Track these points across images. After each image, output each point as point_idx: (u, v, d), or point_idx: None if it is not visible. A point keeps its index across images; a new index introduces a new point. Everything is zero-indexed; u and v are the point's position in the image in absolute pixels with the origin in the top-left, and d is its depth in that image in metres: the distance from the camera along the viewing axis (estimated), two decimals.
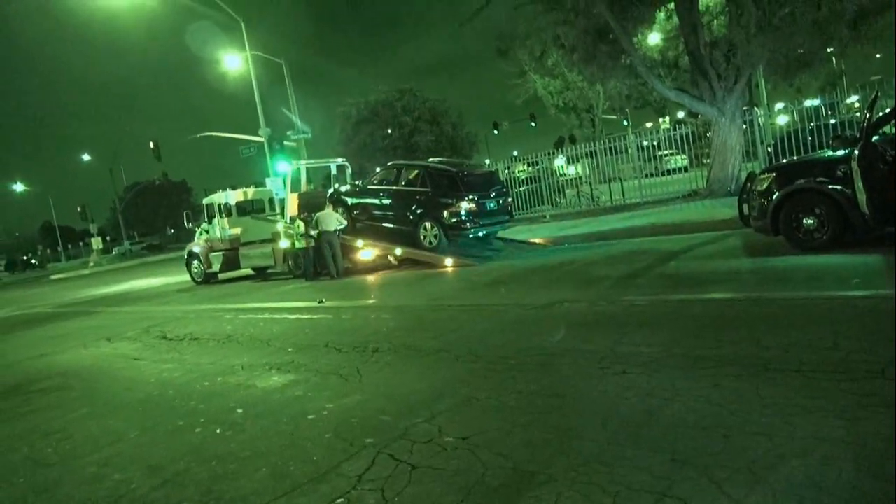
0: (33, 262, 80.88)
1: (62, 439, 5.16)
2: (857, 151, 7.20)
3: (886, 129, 7.71)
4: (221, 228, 18.10)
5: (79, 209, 48.70)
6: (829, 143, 13.23)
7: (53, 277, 41.92)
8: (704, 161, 20.83)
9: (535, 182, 22.74)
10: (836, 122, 17.56)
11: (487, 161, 29.54)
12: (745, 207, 9.07)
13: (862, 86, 18.18)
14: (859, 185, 7.16)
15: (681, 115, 38.18)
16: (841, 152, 7.73)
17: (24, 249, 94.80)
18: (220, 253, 17.94)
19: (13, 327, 14.69)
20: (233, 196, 18.49)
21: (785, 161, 11.77)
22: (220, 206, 18.32)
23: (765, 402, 3.62)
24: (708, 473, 2.93)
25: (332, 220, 14.03)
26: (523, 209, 22.08)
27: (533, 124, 48.95)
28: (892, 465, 2.75)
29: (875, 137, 7.37)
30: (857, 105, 26.34)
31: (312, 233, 14.20)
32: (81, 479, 4.22)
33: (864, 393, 3.54)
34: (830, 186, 7.60)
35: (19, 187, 62.66)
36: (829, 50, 23.80)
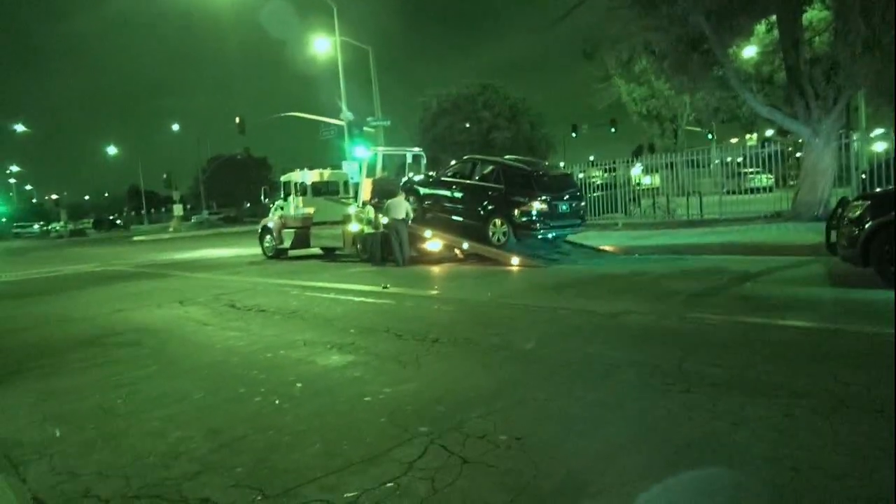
0: (118, 222, 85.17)
1: (131, 392, 5.40)
2: None
3: None
4: (296, 206, 18.54)
5: (164, 176, 51.05)
6: None
7: (136, 239, 43.97)
8: (791, 182, 19.96)
9: (611, 189, 22.31)
10: None
11: (562, 164, 29.16)
12: (834, 234, 8.62)
13: None
14: None
15: (769, 133, 36.65)
16: None
17: (111, 210, 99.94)
18: (293, 230, 18.39)
19: (95, 282, 15.48)
20: (309, 176, 18.91)
21: (881, 189, 11.12)
22: (296, 184, 18.77)
23: (839, 441, 3.43)
24: None
25: (402, 208, 14.16)
26: (596, 215, 21.69)
27: (612, 130, 48.04)
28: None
29: None
30: None
31: (383, 219, 14.37)
32: (145, 431, 4.40)
33: None
34: None
35: (112, 150, 66.01)
36: None
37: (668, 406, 4.17)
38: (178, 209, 52.40)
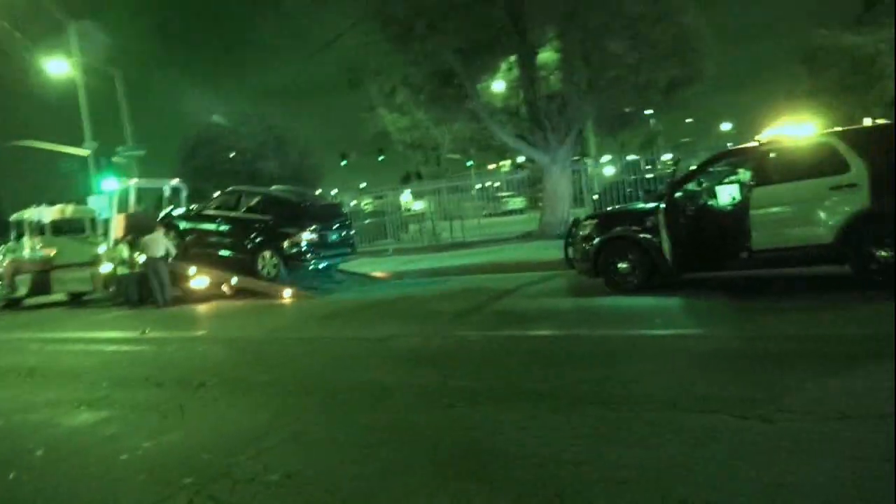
0: None
1: None
2: (662, 205, 8.10)
3: (688, 186, 8.73)
4: (31, 248, 16.37)
5: None
6: (643, 196, 14.67)
7: None
8: (540, 204, 22.24)
9: (381, 215, 23.00)
10: (653, 176, 19.52)
11: (334, 192, 29.42)
12: (571, 250, 9.78)
13: (675, 146, 20.49)
14: (664, 234, 8.03)
15: (521, 159, 40.52)
16: (651, 205, 8.63)
17: None
18: (28, 275, 16.19)
19: None
20: (47, 213, 16.84)
21: (606, 209, 12.87)
22: (31, 223, 16.59)
23: (576, 433, 3.91)
24: (520, 502, 3.11)
25: (161, 244, 13.21)
26: (367, 242, 22.17)
27: (381, 159, 49.55)
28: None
29: (678, 194, 8.34)
30: (669, 162, 29.58)
31: (140, 258, 13.28)
32: None
33: (658, 422, 3.94)
34: (641, 235, 8.43)
35: None
36: (648, 112, 26.60)
37: (434, 422, 4.42)
38: None
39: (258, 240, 13.23)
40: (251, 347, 8.17)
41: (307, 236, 12.82)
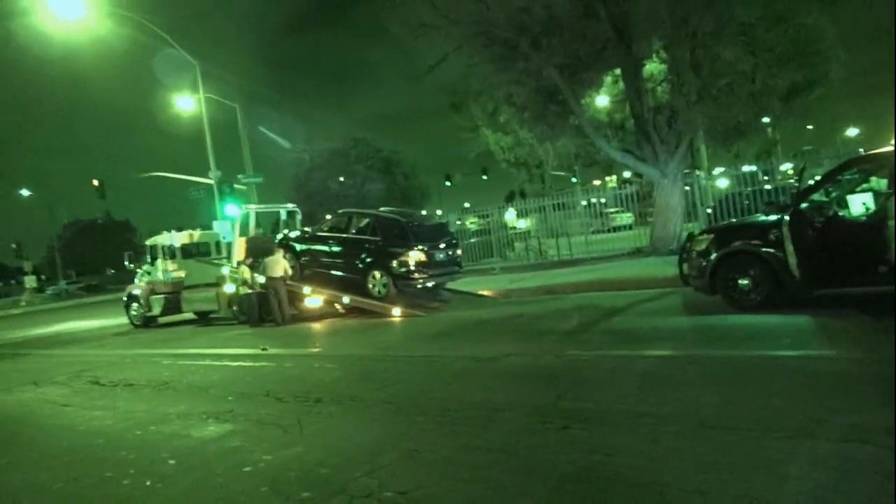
0: None
1: None
2: (787, 217, 7.59)
3: (815, 196, 8.15)
4: (164, 271, 17.66)
5: (13, 246, 46.92)
6: (763, 208, 13.87)
7: None
8: (649, 219, 21.54)
9: (486, 234, 23.05)
10: (771, 188, 18.44)
11: (439, 212, 29.89)
12: (685, 267, 9.37)
13: (795, 154, 19.30)
14: (790, 248, 7.52)
15: (627, 174, 39.53)
16: (773, 217, 8.11)
17: None
18: (162, 296, 17.46)
19: None
20: (178, 238, 18.14)
21: (723, 223, 12.26)
22: (163, 247, 17.92)
23: (700, 460, 3.70)
24: None
25: (280, 266, 13.87)
26: (473, 261, 22.28)
27: (484, 178, 49.89)
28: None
29: (805, 204, 7.80)
30: (790, 172, 27.86)
31: (259, 279, 14.00)
32: None
33: (792, 450, 3.66)
34: (764, 249, 7.94)
35: None
36: (764, 120, 25.23)
37: (547, 444, 4.32)
38: (30, 281, 48.26)
39: (368, 260, 13.61)
40: (364, 365, 8.36)
41: (415, 256, 13.04)
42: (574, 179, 45.86)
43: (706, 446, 3.89)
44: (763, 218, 8.72)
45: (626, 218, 24.13)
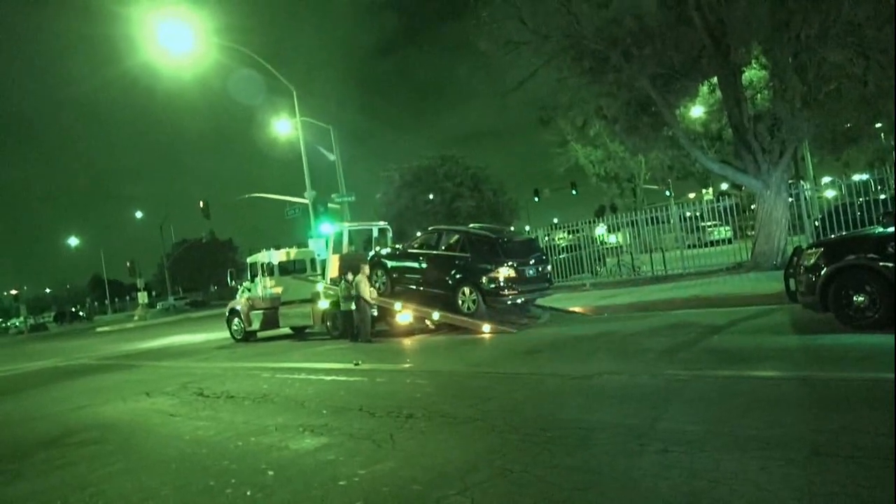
0: (81, 314, 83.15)
1: (96, 494, 5.17)
2: None
3: None
4: (263, 287, 18.39)
5: (127, 264, 50.31)
6: (879, 219, 12.92)
7: (99, 330, 42.91)
8: (749, 233, 20.54)
9: (576, 250, 22.67)
10: (885, 198, 17.18)
11: (528, 228, 29.69)
12: (792, 282, 8.84)
13: None
14: None
15: (724, 186, 37.93)
16: (892, 229, 7.53)
17: (74, 301, 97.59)
18: (261, 311, 18.17)
19: (58, 378, 14.98)
20: (276, 256, 18.86)
21: (833, 236, 11.51)
22: (262, 265, 18.68)
23: (814, 490, 3.43)
24: None
25: (366, 286, 14.08)
26: (563, 277, 21.93)
27: (574, 193, 49.17)
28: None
29: None
30: None
31: (354, 294, 14.32)
32: None
33: None
34: (882, 263, 7.37)
35: (73, 241, 65.08)
36: (877, 125, 23.60)
37: (646, 467, 4.14)
38: (142, 297, 51.44)
39: (458, 276, 13.67)
40: (454, 381, 8.35)
41: (505, 272, 12.98)
42: (668, 193, 44.45)
43: (821, 476, 3.61)
44: (881, 230, 8.11)
45: (724, 232, 23.14)
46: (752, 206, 19.75)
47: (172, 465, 5.77)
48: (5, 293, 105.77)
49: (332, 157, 27.68)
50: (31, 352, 27.96)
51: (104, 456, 6.46)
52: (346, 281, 14.75)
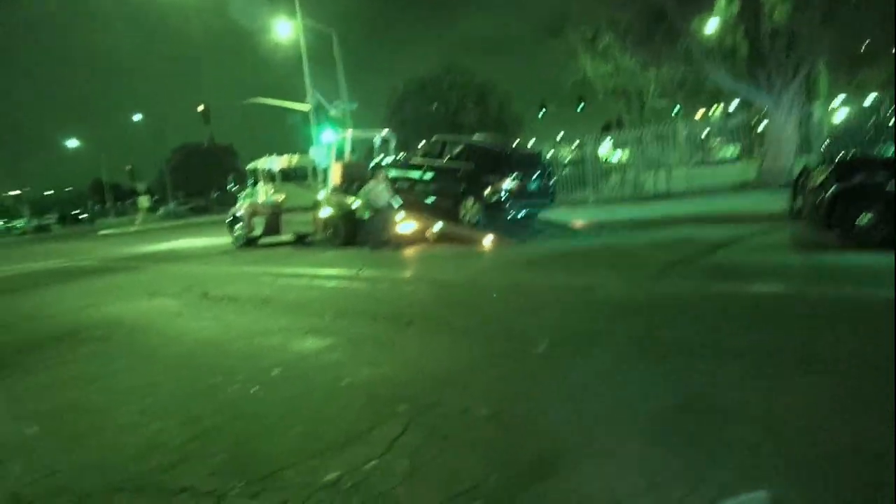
0: (83, 217, 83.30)
1: (105, 387, 5.32)
2: None
3: None
4: (265, 193, 18.30)
5: (127, 168, 49.93)
6: (889, 140, 12.71)
7: (102, 233, 43.12)
8: (756, 153, 20.27)
9: (580, 165, 22.41)
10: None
11: (532, 141, 29.29)
12: (799, 200, 8.79)
13: None
14: None
15: (734, 104, 37.10)
16: None
17: (76, 204, 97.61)
18: (263, 217, 18.15)
19: (65, 278, 15.15)
20: (277, 162, 18.65)
21: (844, 155, 11.35)
22: (264, 171, 18.51)
23: (808, 399, 3.52)
24: (746, 464, 2.87)
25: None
26: (566, 191, 21.80)
27: (580, 108, 48.13)
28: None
29: None
30: None
31: (354, 203, 14.23)
32: (121, 425, 4.35)
33: None
34: (891, 183, 7.30)
35: (73, 143, 64.29)
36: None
37: (645, 374, 4.24)
38: (143, 201, 51.43)
39: (461, 187, 13.56)
40: (454, 290, 8.44)
41: (508, 184, 12.87)
42: (677, 107, 43.46)
43: (814, 386, 3.69)
44: (892, 150, 7.99)
45: (732, 150, 22.86)
46: (761, 125, 19.40)
47: (178, 362, 5.91)
48: (6, 194, 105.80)
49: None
50: (36, 252, 28.18)
51: (111, 352, 6.61)
52: (346, 189, 14.62)
